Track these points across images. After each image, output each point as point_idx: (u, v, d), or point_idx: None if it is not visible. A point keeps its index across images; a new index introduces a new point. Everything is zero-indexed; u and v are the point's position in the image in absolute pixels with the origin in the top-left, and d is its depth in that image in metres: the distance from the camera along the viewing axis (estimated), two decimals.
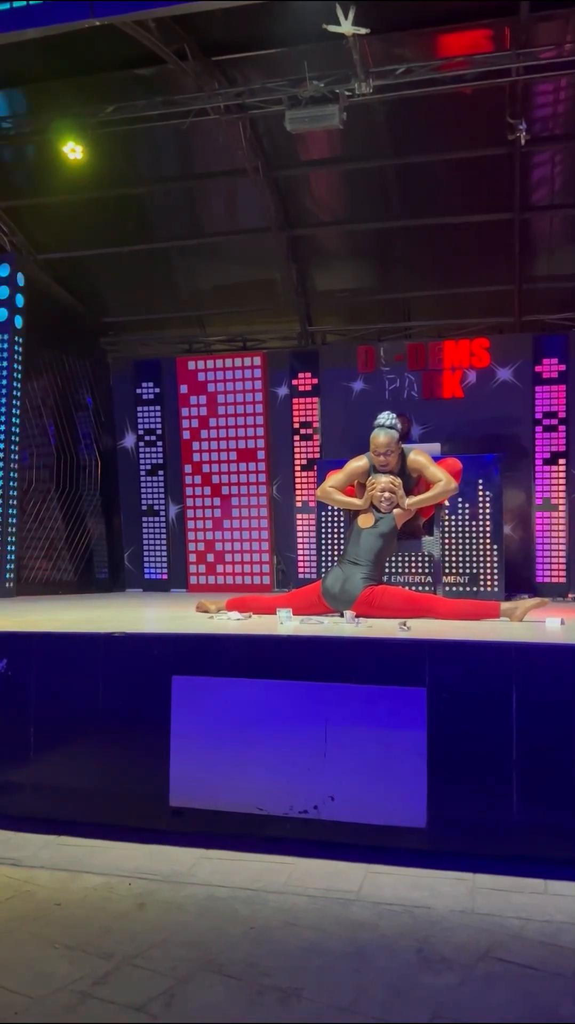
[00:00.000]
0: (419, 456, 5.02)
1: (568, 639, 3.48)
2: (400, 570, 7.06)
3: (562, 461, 8.29)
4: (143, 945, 2.41)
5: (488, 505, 7.26)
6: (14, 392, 7.88)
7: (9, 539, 7.78)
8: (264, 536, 9.11)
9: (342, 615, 4.48)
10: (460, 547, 7.28)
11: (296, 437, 9.04)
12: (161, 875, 2.95)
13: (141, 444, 9.61)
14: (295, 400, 9.04)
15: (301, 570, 8.85)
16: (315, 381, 8.98)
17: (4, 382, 7.81)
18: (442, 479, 4.90)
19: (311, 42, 6.18)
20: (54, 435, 8.78)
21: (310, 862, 2.99)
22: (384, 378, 8.75)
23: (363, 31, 5.62)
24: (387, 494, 4.86)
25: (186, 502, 9.40)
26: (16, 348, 7.90)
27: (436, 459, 5.16)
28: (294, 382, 9.04)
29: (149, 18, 5.81)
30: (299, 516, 8.95)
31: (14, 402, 7.88)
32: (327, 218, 8.42)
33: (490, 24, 6.35)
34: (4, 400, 7.79)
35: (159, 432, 9.53)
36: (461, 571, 7.26)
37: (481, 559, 7.24)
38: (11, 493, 7.83)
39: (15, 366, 7.90)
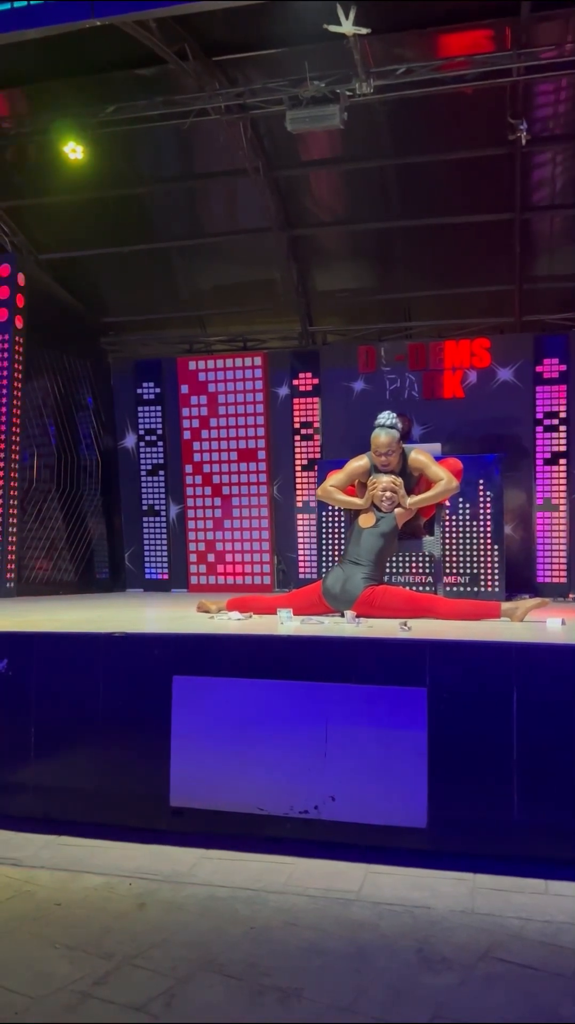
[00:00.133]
0: (420, 455, 5.02)
1: (569, 639, 3.48)
2: (401, 570, 7.06)
3: (563, 461, 8.28)
4: (143, 945, 2.41)
5: (489, 505, 7.25)
6: (14, 392, 7.88)
7: (9, 539, 7.78)
8: (265, 536, 9.11)
9: (343, 615, 4.47)
10: (461, 547, 7.28)
11: (297, 437, 9.03)
12: (161, 875, 2.95)
13: (142, 444, 9.60)
14: (296, 400, 9.03)
15: (302, 570, 8.84)
16: (316, 381, 8.97)
17: (5, 382, 7.81)
18: (443, 478, 4.89)
19: (312, 42, 6.18)
20: (55, 435, 8.78)
21: (310, 862, 2.99)
22: (385, 378, 8.75)
23: (364, 31, 5.62)
24: (388, 493, 4.86)
25: (187, 502, 9.39)
26: (17, 348, 7.91)
27: (437, 459, 5.16)
28: (295, 382, 9.04)
29: (150, 18, 5.82)
30: (300, 516, 8.94)
31: (14, 402, 7.88)
32: (328, 218, 8.42)
33: (491, 24, 6.35)
34: (5, 400, 7.80)
35: (160, 432, 9.53)
36: (462, 571, 7.25)
37: (482, 559, 7.23)
38: (11, 493, 7.83)
39: (15, 366, 7.90)
